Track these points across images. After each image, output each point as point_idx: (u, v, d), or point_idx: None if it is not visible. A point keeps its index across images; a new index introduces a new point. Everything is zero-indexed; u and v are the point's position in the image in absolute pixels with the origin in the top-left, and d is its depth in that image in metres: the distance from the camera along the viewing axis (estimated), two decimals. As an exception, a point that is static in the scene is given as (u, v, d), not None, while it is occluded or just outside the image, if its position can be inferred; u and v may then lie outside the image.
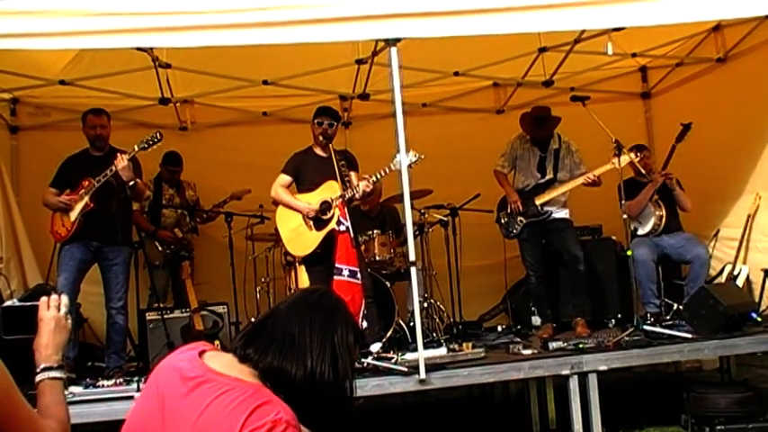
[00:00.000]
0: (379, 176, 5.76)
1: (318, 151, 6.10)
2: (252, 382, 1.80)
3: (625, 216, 6.02)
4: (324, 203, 5.89)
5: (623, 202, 6.00)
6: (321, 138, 6.01)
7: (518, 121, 6.85)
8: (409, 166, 5.11)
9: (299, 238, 5.98)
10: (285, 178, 6.10)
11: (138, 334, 6.79)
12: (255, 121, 8.35)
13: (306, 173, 6.08)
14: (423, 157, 5.34)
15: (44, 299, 2.14)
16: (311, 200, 5.96)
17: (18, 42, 4.67)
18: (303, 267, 6.59)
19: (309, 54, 6.49)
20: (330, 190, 5.88)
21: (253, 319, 2.10)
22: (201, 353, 1.91)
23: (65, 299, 2.17)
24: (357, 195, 5.82)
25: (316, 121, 6.06)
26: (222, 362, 1.87)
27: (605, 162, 6.23)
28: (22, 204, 7.13)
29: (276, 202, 6.16)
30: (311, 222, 5.95)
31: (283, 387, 1.79)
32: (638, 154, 6.41)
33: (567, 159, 6.68)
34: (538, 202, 6.59)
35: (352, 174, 6.02)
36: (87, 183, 5.89)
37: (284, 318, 1.92)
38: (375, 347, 5.55)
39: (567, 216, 6.69)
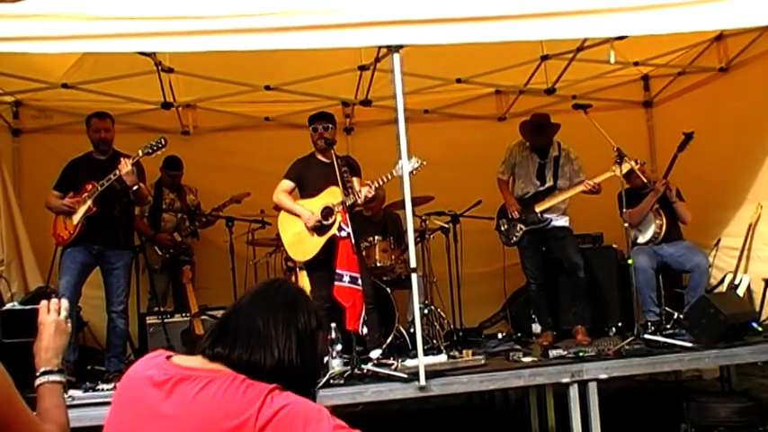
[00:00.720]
0: (380, 183, 5.76)
1: (321, 157, 6.10)
2: (228, 371, 1.82)
3: (626, 224, 6.02)
4: (326, 209, 5.88)
5: (624, 210, 5.99)
6: (321, 143, 5.99)
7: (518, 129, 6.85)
8: (411, 172, 5.12)
9: (300, 243, 5.98)
10: (287, 184, 6.10)
11: (138, 338, 6.79)
12: (257, 126, 8.36)
13: (308, 179, 6.08)
14: (425, 163, 5.34)
15: (44, 302, 2.14)
16: (313, 205, 5.95)
17: (21, 45, 4.68)
18: (304, 272, 6.59)
19: (312, 60, 6.49)
20: (332, 196, 5.86)
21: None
22: (168, 357, 1.93)
23: (65, 302, 2.17)
24: (359, 201, 5.81)
25: (311, 128, 6.08)
26: (193, 362, 1.89)
27: (606, 170, 6.23)
28: (24, 207, 7.13)
29: (278, 208, 6.16)
30: (314, 228, 5.94)
31: (255, 378, 1.81)
32: (638, 161, 6.41)
33: (567, 167, 6.67)
34: (538, 209, 6.58)
35: (355, 180, 6.01)
36: (90, 186, 5.88)
37: (247, 312, 1.94)
38: (375, 354, 5.55)
39: (567, 224, 6.68)
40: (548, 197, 6.61)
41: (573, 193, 6.54)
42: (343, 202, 5.68)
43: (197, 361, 1.89)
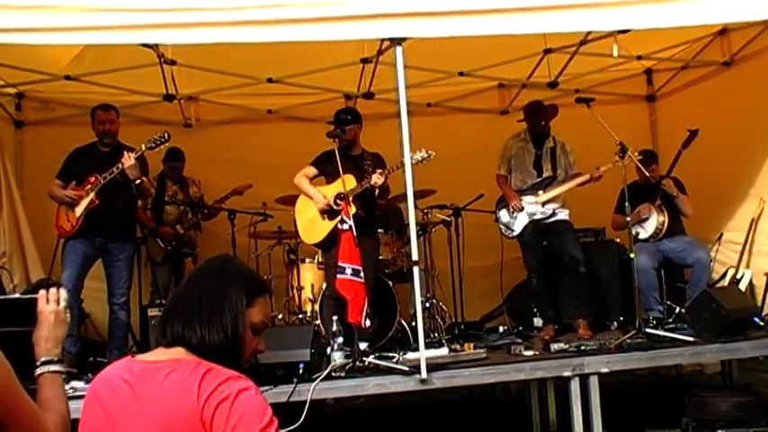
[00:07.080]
0: (393, 170, 5.78)
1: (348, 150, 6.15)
2: (191, 358, 1.89)
3: (628, 218, 6.01)
4: (338, 195, 5.95)
5: (627, 204, 5.96)
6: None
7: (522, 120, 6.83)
8: (420, 161, 5.28)
9: (312, 227, 6.18)
10: (311, 170, 6.23)
11: (139, 330, 6.78)
12: (260, 118, 8.36)
13: (329, 168, 6.09)
14: (433, 154, 5.40)
15: (42, 292, 2.15)
16: (327, 192, 6.08)
17: (23, 37, 4.67)
18: (305, 266, 6.62)
19: (314, 52, 6.49)
20: (346, 182, 5.86)
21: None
22: (132, 356, 2.02)
23: (63, 292, 2.17)
24: (369, 186, 5.83)
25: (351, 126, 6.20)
26: (155, 354, 1.96)
27: (609, 162, 6.22)
28: (26, 199, 7.15)
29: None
30: (325, 213, 6.09)
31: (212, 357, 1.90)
32: (643, 155, 6.40)
33: (563, 158, 6.65)
34: (540, 199, 6.54)
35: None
36: (94, 179, 5.86)
37: (184, 291, 2.05)
38: (361, 346, 5.53)
39: (567, 217, 6.65)
40: (549, 187, 6.58)
41: (575, 184, 6.50)
42: (353, 190, 5.73)
43: (158, 353, 1.95)
